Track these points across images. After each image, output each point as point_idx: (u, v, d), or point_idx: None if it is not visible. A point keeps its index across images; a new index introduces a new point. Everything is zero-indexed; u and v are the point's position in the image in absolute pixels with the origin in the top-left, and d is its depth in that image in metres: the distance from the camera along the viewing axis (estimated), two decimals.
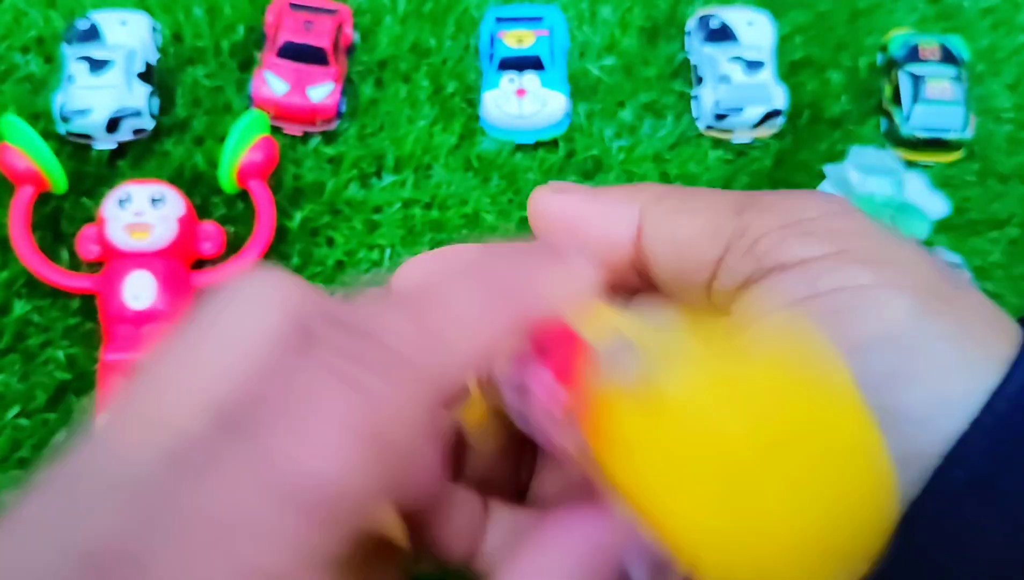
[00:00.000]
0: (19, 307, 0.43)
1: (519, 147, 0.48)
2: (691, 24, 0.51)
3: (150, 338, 0.40)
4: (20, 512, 0.16)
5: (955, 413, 0.18)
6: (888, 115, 0.50)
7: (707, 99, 0.48)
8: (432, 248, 0.46)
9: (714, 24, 0.50)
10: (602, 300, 0.18)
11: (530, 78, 0.48)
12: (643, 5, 0.52)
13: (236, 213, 0.46)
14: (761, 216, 0.21)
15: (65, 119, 0.45)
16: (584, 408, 0.17)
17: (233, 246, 0.45)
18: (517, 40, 0.49)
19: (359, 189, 0.47)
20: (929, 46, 0.51)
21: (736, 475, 0.16)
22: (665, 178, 0.48)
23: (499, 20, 0.50)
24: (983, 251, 0.47)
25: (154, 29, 0.48)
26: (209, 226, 0.44)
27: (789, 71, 0.51)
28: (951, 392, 0.19)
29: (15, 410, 0.41)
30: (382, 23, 0.51)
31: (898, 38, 0.51)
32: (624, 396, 0.16)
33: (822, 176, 0.48)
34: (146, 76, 0.46)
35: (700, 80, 0.49)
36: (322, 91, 0.47)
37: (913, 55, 0.50)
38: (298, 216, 0.46)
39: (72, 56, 0.46)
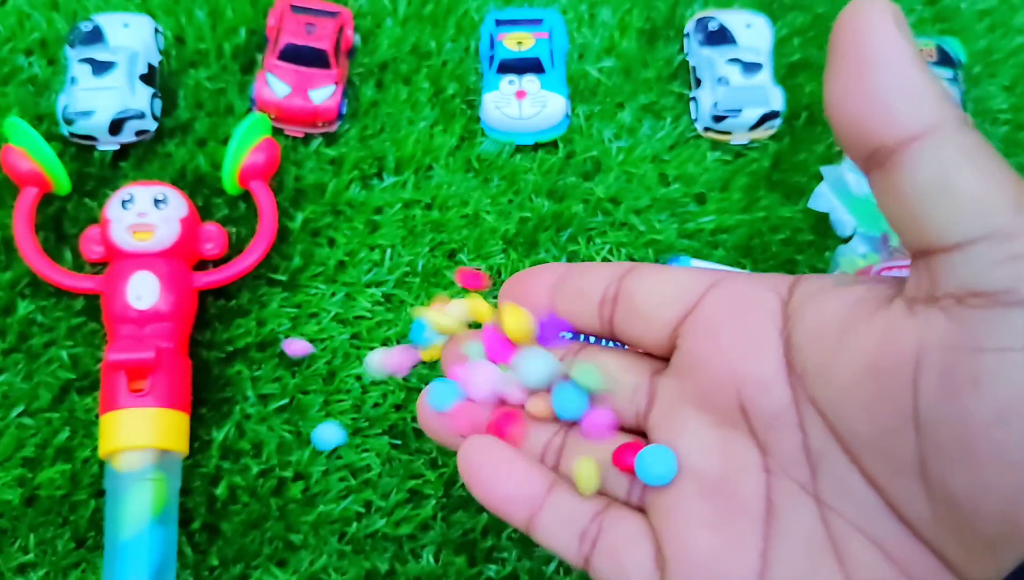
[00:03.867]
0: (23, 307, 0.43)
1: (519, 148, 0.49)
2: (690, 26, 0.51)
3: (152, 338, 0.41)
4: None
5: None
6: None
7: (705, 101, 0.49)
8: (432, 249, 0.46)
9: (712, 26, 0.50)
10: None
11: (530, 80, 0.49)
12: (642, 7, 0.52)
13: (238, 214, 0.46)
14: None
15: (68, 121, 0.45)
16: None
17: (235, 247, 0.45)
18: (517, 43, 0.49)
19: (360, 190, 0.47)
20: (926, 48, 0.51)
21: None
22: (664, 179, 0.49)
23: (499, 23, 0.50)
24: None
25: (156, 31, 0.48)
26: (211, 227, 0.44)
27: (787, 73, 0.51)
28: None
29: (19, 409, 0.42)
30: (383, 25, 0.51)
31: None
32: None
33: (819, 177, 0.48)
34: (148, 78, 0.47)
35: (699, 82, 0.50)
36: (323, 93, 0.47)
37: None
38: (300, 217, 0.46)
39: (75, 58, 0.46)
